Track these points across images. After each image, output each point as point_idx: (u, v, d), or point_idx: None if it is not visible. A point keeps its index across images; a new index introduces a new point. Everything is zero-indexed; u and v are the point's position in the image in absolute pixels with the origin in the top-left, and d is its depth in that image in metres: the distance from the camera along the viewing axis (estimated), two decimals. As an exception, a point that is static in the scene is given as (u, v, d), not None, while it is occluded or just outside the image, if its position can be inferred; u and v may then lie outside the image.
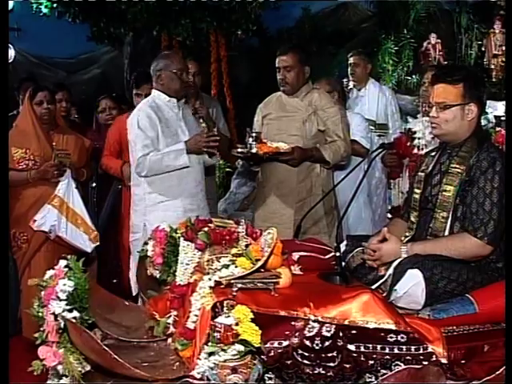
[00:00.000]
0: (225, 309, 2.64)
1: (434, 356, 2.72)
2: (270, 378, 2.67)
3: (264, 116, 4.88)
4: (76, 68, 12.83)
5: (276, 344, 2.68)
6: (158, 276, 3.32)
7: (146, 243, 3.42)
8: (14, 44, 10.99)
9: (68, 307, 2.73)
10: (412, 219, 3.39)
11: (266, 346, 2.62)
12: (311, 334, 2.70)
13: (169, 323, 3.09)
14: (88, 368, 2.81)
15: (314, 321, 2.70)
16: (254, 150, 4.35)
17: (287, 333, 2.69)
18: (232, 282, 2.77)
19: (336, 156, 4.62)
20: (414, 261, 2.96)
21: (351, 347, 2.71)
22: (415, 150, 4.79)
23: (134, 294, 4.44)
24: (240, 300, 2.67)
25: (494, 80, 9.52)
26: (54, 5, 9.77)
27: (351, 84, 6.81)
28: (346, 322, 2.71)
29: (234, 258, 2.87)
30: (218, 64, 10.53)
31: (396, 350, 2.72)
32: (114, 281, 5.55)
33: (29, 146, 4.89)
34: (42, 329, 2.83)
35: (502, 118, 5.00)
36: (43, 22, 10.16)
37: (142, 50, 10.65)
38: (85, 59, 12.89)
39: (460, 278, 2.97)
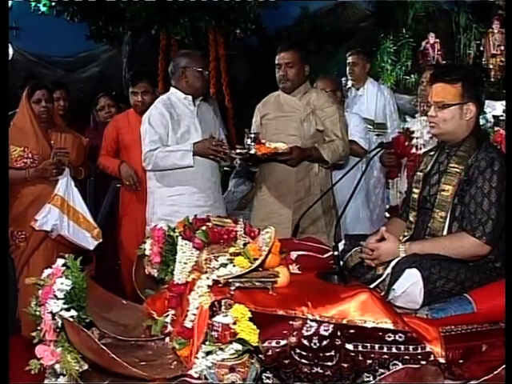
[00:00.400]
0: (223, 308, 2.65)
1: (432, 355, 2.71)
2: (267, 378, 2.67)
3: (262, 116, 4.88)
4: (74, 66, 12.80)
5: (274, 343, 2.68)
6: (155, 275, 3.33)
7: (143, 242, 3.42)
8: (13, 42, 10.95)
9: (65, 306, 2.73)
10: (410, 219, 3.39)
11: (264, 345, 2.62)
12: (309, 333, 2.70)
13: (167, 322, 3.10)
14: (85, 367, 2.81)
15: (312, 320, 2.70)
16: (252, 151, 4.35)
17: (285, 332, 2.69)
18: (230, 280, 2.78)
19: (334, 155, 4.62)
20: (412, 260, 2.96)
21: (349, 346, 2.70)
22: (413, 150, 4.80)
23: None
24: (238, 299, 2.68)
25: (492, 80, 9.50)
26: (53, 3, 9.75)
27: (350, 83, 6.80)
28: (344, 322, 2.71)
29: (232, 257, 2.88)
30: (217, 63, 10.52)
31: (394, 350, 2.72)
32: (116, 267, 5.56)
33: (27, 144, 4.88)
34: (39, 328, 2.83)
35: (501, 118, 5.00)
36: (42, 20, 10.14)
37: (140, 48, 10.65)
38: (83, 58, 12.85)
39: (458, 277, 2.97)
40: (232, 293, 2.74)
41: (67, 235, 4.88)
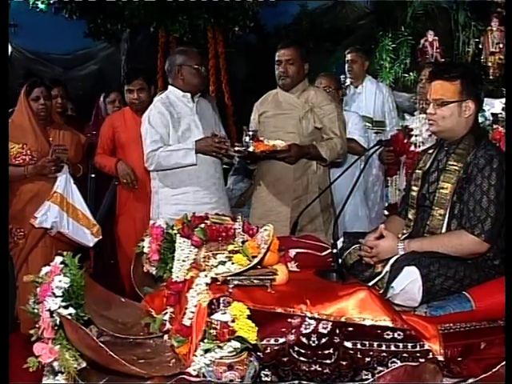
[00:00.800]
0: (221, 305, 2.65)
1: (430, 353, 2.72)
2: (266, 375, 2.67)
3: (260, 114, 4.88)
4: (73, 64, 12.79)
5: (272, 341, 2.68)
6: (154, 273, 3.33)
7: (142, 240, 3.42)
8: (11, 40, 10.96)
9: (64, 304, 2.73)
10: (409, 216, 3.39)
11: (263, 342, 2.62)
12: (308, 330, 2.70)
13: (165, 320, 3.10)
14: (84, 365, 2.80)
15: (311, 318, 2.70)
16: (251, 149, 4.34)
17: (283, 330, 2.70)
18: (228, 278, 2.78)
19: (332, 153, 4.62)
20: (410, 258, 2.96)
21: (348, 344, 2.71)
22: (412, 148, 4.79)
23: None
24: (236, 297, 2.68)
25: (491, 77, 9.52)
26: (51, 1, 9.75)
27: (348, 81, 6.79)
28: (343, 319, 2.71)
29: (231, 255, 2.88)
30: (216, 61, 10.52)
31: (393, 348, 2.72)
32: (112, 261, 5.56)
33: (26, 142, 4.88)
34: (37, 325, 2.82)
35: (499, 116, 5.00)
36: (40, 17, 10.13)
37: (138, 46, 10.66)
38: (82, 55, 12.84)
39: (457, 275, 2.97)
40: (230, 290, 2.74)
41: (67, 232, 4.88)
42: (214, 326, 2.49)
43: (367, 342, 2.72)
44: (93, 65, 12.84)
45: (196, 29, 9.96)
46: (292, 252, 3.31)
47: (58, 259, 2.90)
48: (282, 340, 2.68)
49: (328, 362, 2.69)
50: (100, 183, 5.75)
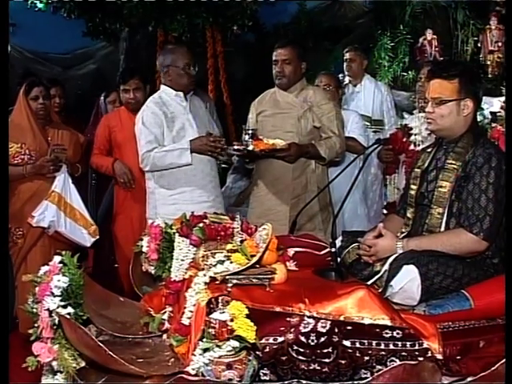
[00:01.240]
0: (220, 305, 2.65)
1: (429, 352, 2.72)
2: (265, 374, 2.67)
3: (258, 113, 4.88)
4: (71, 63, 12.77)
5: (271, 340, 2.68)
6: (153, 272, 3.33)
7: (141, 239, 3.42)
8: (9, 39, 10.95)
9: (62, 303, 2.73)
10: (408, 215, 3.40)
11: (261, 341, 2.62)
12: (306, 329, 2.70)
13: (164, 319, 3.10)
14: (83, 364, 2.80)
15: (310, 317, 2.70)
16: (250, 148, 4.34)
17: (282, 329, 2.69)
18: (227, 277, 2.78)
19: (331, 152, 4.63)
20: (409, 256, 2.96)
21: (346, 343, 2.71)
22: (411, 146, 4.79)
23: None
24: (235, 296, 2.68)
25: (489, 76, 9.53)
26: (50, 0, 9.74)
27: (347, 80, 6.80)
28: (342, 318, 2.71)
29: (229, 254, 2.88)
30: (215, 60, 10.51)
31: (391, 346, 2.72)
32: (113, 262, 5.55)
33: (24, 141, 4.89)
34: (36, 325, 2.83)
35: (498, 114, 5.00)
36: (38, 17, 10.12)
37: (137, 45, 10.65)
38: (80, 55, 12.82)
39: (455, 273, 2.97)
40: (229, 290, 2.75)
41: (64, 232, 4.88)
42: (212, 325, 2.49)
43: (366, 341, 2.72)
44: (91, 64, 12.82)
45: (195, 28, 9.95)
46: (291, 251, 3.31)
47: (57, 259, 2.90)
48: (280, 339, 2.68)
49: (327, 360, 2.69)
50: (100, 183, 5.74)
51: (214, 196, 4.71)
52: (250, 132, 4.38)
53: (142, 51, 10.47)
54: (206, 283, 2.78)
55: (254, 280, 2.83)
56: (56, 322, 2.73)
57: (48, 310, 2.73)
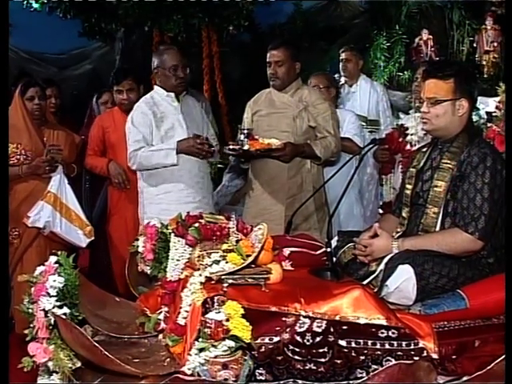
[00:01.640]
0: (215, 304, 2.65)
1: (425, 351, 2.72)
2: (260, 374, 2.67)
3: (254, 113, 4.88)
4: (67, 64, 12.75)
5: (267, 340, 2.68)
6: (148, 272, 3.33)
7: (136, 239, 3.42)
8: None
9: (58, 303, 2.73)
10: (403, 215, 3.40)
11: (257, 341, 2.62)
12: (302, 329, 2.70)
13: (160, 319, 3.10)
14: (78, 364, 2.80)
15: (305, 316, 2.71)
16: (246, 147, 4.35)
17: (278, 328, 2.70)
18: (223, 277, 2.78)
19: (327, 152, 4.63)
20: (405, 256, 2.96)
21: (342, 343, 2.71)
22: (408, 146, 4.80)
23: None
24: (231, 296, 2.68)
25: (485, 76, 9.54)
26: (45, 0, 9.73)
27: (343, 80, 6.79)
28: (337, 318, 2.72)
29: (225, 254, 2.88)
30: (210, 60, 10.51)
31: (387, 346, 2.72)
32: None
33: (20, 141, 4.88)
34: (32, 325, 2.82)
35: (494, 114, 5.00)
36: (34, 17, 10.11)
37: (133, 45, 10.64)
38: (76, 55, 12.81)
39: (451, 273, 2.98)
40: (225, 289, 2.75)
41: (59, 232, 4.87)
42: (208, 325, 2.49)
43: (362, 341, 2.73)
44: (87, 64, 12.81)
45: (190, 28, 9.95)
46: (286, 251, 3.31)
47: (53, 259, 2.90)
48: (276, 339, 2.68)
49: (322, 360, 2.69)
50: (94, 184, 5.73)
51: (201, 197, 4.72)
52: (246, 132, 4.39)
53: (137, 51, 10.45)
54: (201, 283, 2.78)
55: (249, 280, 2.83)
56: (52, 322, 2.73)
57: (44, 310, 2.73)
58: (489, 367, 2.60)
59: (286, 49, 4.70)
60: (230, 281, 2.79)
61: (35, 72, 10.66)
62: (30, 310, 2.84)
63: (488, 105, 7.21)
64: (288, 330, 2.70)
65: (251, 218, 4.59)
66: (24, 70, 9.94)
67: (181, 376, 2.50)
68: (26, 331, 2.84)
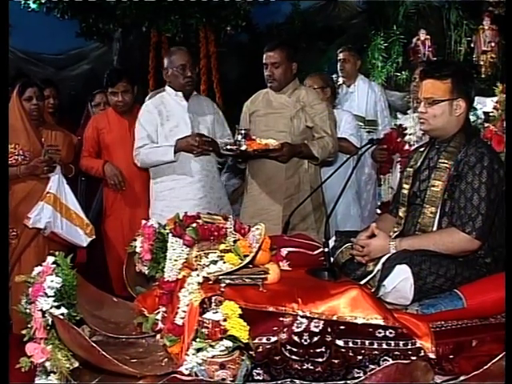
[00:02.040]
0: (213, 305, 2.65)
1: (422, 351, 2.73)
2: (258, 374, 2.67)
3: (251, 113, 4.89)
4: (65, 64, 12.71)
5: (264, 340, 2.68)
6: (146, 272, 3.33)
7: (134, 239, 3.42)
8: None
9: (56, 304, 2.73)
10: (400, 215, 3.40)
11: (255, 341, 2.62)
12: (299, 329, 2.70)
13: (157, 319, 3.10)
14: (76, 364, 2.80)
15: (303, 316, 2.71)
16: (243, 148, 4.36)
17: (275, 328, 2.70)
18: (220, 277, 2.78)
19: (324, 152, 4.63)
20: (402, 256, 2.96)
21: (340, 343, 2.71)
22: (406, 146, 4.80)
23: None
24: (228, 296, 2.68)
25: (483, 76, 9.54)
26: (43, 0, 9.72)
27: (340, 80, 6.79)
28: (335, 318, 2.72)
29: (222, 254, 2.88)
30: (208, 60, 10.49)
31: (384, 346, 2.73)
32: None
33: (18, 142, 4.88)
34: (29, 325, 2.83)
35: (491, 114, 5.01)
36: (32, 17, 10.09)
37: (130, 46, 10.64)
38: (74, 55, 12.76)
39: (448, 273, 2.98)
40: (222, 290, 2.75)
41: (60, 232, 4.89)
42: (205, 325, 2.49)
43: (359, 341, 2.73)
44: (85, 65, 12.77)
45: (188, 28, 9.94)
46: (284, 251, 3.31)
47: (50, 259, 2.91)
48: (273, 339, 2.69)
49: (320, 360, 2.70)
50: (91, 184, 5.73)
51: (203, 194, 4.76)
52: (243, 132, 4.40)
53: (135, 52, 10.46)
54: (199, 283, 2.78)
55: (247, 280, 2.83)
56: (49, 322, 2.73)
57: (41, 310, 2.73)
58: (486, 367, 2.60)
59: (282, 50, 4.70)
60: (228, 281, 2.79)
61: (33, 72, 10.66)
62: (28, 311, 2.84)
63: (485, 105, 7.22)
64: (285, 329, 2.70)
65: (249, 218, 4.60)
66: (22, 70, 9.94)
67: (178, 376, 2.50)
68: (24, 331, 2.85)
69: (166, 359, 2.81)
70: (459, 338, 2.84)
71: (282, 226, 4.16)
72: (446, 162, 3.17)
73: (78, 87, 11.34)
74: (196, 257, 2.97)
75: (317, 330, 2.71)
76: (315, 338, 2.70)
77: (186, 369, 2.49)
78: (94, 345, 2.55)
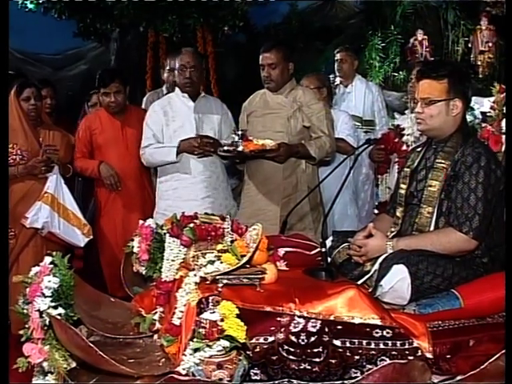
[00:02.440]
0: (210, 305, 2.65)
1: (419, 351, 2.73)
2: (255, 374, 2.68)
3: (249, 114, 4.90)
4: (62, 64, 12.69)
5: (261, 340, 2.68)
6: (143, 272, 3.33)
7: (132, 239, 3.42)
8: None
9: (53, 304, 2.73)
10: (398, 214, 3.41)
11: (252, 341, 2.63)
12: (297, 329, 2.71)
13: (155, 319, 3.11)
14: (73, 365, 2.81)
15: (300, 316, 2.71)
16: (240, 148, 4.37)
17: (273, 328, 2.70)
18: (217, 277, 2.79)
19: (321, 152, 4.63)
20: (399, 256, 2.97)
21: (337, 342, 2.71)
22: (404, 147, 4.80)
23: None
24: (225, 296, 2.68)
25: (480, 76, 9.53)
26: (40, 0, 9.71)
27: (338, 80, 6.80)
28: (332, 318, 2.72)
29: (220, 254, 2.89)
30: (205, 60, 10.49)
31: (382, 346, 2.73)
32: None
33: (16, 142, 4.89)
34: (27, 326, 2.83)
35: (488, 114, 5.01)
36: (29, 17, 10.07)
37: (128, 46, 10.63)
38: (71, 55, 12.74)
39: (445, 273, 2.98)
40: (219, 290, 2.75)
41: (58, 232, 4.89)
42: (203, 325, 2.49)
43: (356, 341, 2.73)
44: (82, 65, 12.75)
45: (185, 28, 9.93)
46: (281, 251, 3.32)
47: (48, 259, 2.91)
48: (271, 339, 2.69)
49: (317, 360, 2.70)
50: (87, 185, 5.73)
51: (205, 195, 4.80)
52: (240, 133, 4.42)
53: (132, 52, 10.45)
54: (196, 283, 2.79)
55: (244, 280, 2.83)
56: (47, 322, 2.73)
57: (39, 310, 2.73)
58: (483, 366, 2.60)
59: (278, 50, 4.70)
60: (225, 281, 2.79)
61: (30, 72, 10.64)
62: (25, 311, 2.84)
63: (483, 105, 7.19)
64: (283, 329, 2.70)
65: (246, 218, 4.60)
66: (19, 70, 9.93)
67: (175, 376, 2.50)
68: (21, 332, 2.85)
69: (163, 359, 2.81)
70: (456, 338, 2.84)
71: (280, 226, 4.16)
72: (442, 162, 3.18)
73: (75, 87, 11.32)
74: (193, 257, 2.97)
75: (314, 329, 2.71)
76: (312, 338, 2.70)
77: (184, 369, 2.49)
78: (92, 345, 2.55)
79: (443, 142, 3.24)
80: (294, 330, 2.70)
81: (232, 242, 3.02)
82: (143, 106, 6.10)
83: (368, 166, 5.81)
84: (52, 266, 2.87)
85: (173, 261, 3.10)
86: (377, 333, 2.73)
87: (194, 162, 4.78)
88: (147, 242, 3.27)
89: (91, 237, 5.02)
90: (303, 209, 4.59)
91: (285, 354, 2.69)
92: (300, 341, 2.70)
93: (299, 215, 4.59)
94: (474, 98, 6.49)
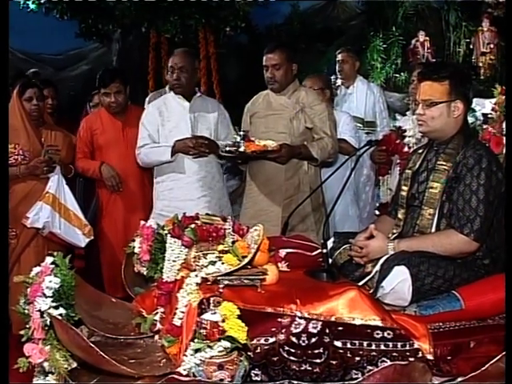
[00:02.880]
0: (211, 305, 2.66)
1: (420, 352, 2.73)
2: (256, 375, 2.68)
3: (252, 115, 4.90)
4: (64, 64, 12.70)
5: (262, 340, 2.69)
6: (145, 273, 3.33)
7: (133, 240, 3.42)
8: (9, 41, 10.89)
9: (54, 304, 2.74)
10: (399, 216, 3.41)
11: (253, 342, 2.63)
12: (298, 330, 2.71)
13: (156, 320, 3.10)
14: (74, 365, 2.81)
15: (301, 317, 2.72)
16: (241, 149, 4.37)
17: (274, 329, 2.71)
18: (218, 278, 2.79)
19: (323, 153, 4.63)
20: (400, 257, 2.96)
21: (338, 344, 2.72)
22: (406, 148, 4.81)
23: None
24: (226, 297, 2.69)
25: (482, 78, 9.53)
26: (42, 1, 9.71)
27: (339, 81, 6.79)
28: (333, 319, 2.72)
29: (221, 255, 2.89)
30: (207, 61, 10.48)
31: (382, 347, 2.73)
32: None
33: (18, 142, 4.90)
34: (27, 326, 2.83)
35: (489, 116, 5.01)
36: (31, 18, 10.08)
37: (130, 46, 10.61)
38: (73, 56, 12.75)
39: (446, 274, 2.98)
40: (221, 290, 2.76)
41: (59, 233, 4.89)
42: (204, 325, 2.49)
43: (357, 342, 2.73)
44: (84, 65, 12.76)
45: (187, 29, 9.92)
46: (282, 252, 3.32)
47: (49, 259, 2.91)
48: (272, 340, 2.69)
49: (318, 361, 2.70)
50: (89, 185, 5.72)
51: (200, 195, 4.80)
52: (242, 133, 4.43)
53: (134, 52, 10.43)
54: (197, 284, 2.79)
55: (245, 281, 2.83)
56: (48, 322, 2.73)
57: (39, 310, 2.73)
58: (483, 368, 2.60)
59: (282, 51, 4.70)
60: (226, 282, 2.80)
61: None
62: (26, 311, 2.84)
63: (484, 106, 7.20)
64: (283, 330, 2.70)
65: (248, 219, 4.61)
66: (21, 70, 9.93)
67: (176, 376, 2.51)
68: (22, 332, 2.85)
69: (164, 360, 2.81)
70: (457, 340, 2.84)
71: (281, 227, 4.16)
72: (444, 163, 3.18)
73: (77, 88, 11.32)
74: (194, 257, 2.97)
75: (315, 330, 2.71)
76: (313, 339, 2.71)
77: (184, 369, 2.50)
78: (93, 345, 2.56)
79: (444, 143, 3.24)
80: (294, 331, 2.70)
81: (233, 242, 3.02)
82: (145, 107, 6.09)
83: (369, 167, 5.82)
84: (53, 266, 2.87)
85: (174, 261, 3.09)
86: (378, 334, 2.73)
87: (188, 161, 4.78)
88: (148, 242, 3.27)
89: (92, 237, 5.02)
90: (305, 210, 4.59)
91: (285, 355, 2.69)
92: (301, 342, 2.70)
93: (301, 216, 4.60)
94: (475, 100, 6.52)
